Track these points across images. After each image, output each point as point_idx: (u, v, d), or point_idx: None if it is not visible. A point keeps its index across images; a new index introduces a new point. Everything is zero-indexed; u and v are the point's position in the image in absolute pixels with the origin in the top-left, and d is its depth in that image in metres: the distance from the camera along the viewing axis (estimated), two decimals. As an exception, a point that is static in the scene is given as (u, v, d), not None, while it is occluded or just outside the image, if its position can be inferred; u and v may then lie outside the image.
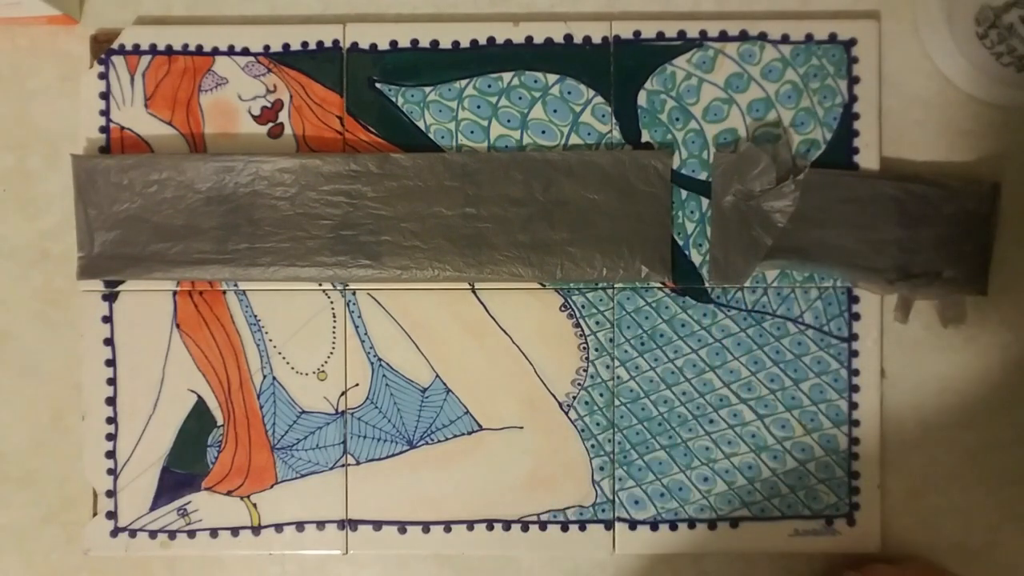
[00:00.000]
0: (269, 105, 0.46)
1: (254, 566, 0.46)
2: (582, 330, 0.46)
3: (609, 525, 0.45)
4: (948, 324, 0.45)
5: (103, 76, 0.46)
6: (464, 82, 0.46)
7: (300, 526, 0.45)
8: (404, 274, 0.45)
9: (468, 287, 0.46)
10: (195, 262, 0.45)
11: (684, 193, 0.45)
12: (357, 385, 0.46)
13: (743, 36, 0.46)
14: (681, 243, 0.45)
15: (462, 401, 0.45)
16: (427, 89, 0.46)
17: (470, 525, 0.45)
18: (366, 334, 0.46)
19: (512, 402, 0.45)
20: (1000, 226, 0.46)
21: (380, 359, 0.46)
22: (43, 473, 0.47)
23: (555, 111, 0.46)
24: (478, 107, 0.46)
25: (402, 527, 0.45)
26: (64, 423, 0.47)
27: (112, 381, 0.46)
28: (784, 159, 0.44)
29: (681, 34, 0.46)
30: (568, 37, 0.46)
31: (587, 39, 0.46)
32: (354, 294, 0.46)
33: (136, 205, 0.45)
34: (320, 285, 0.46)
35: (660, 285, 0.45)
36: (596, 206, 0.44)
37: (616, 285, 0.46)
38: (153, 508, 0.45)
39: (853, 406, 0.45)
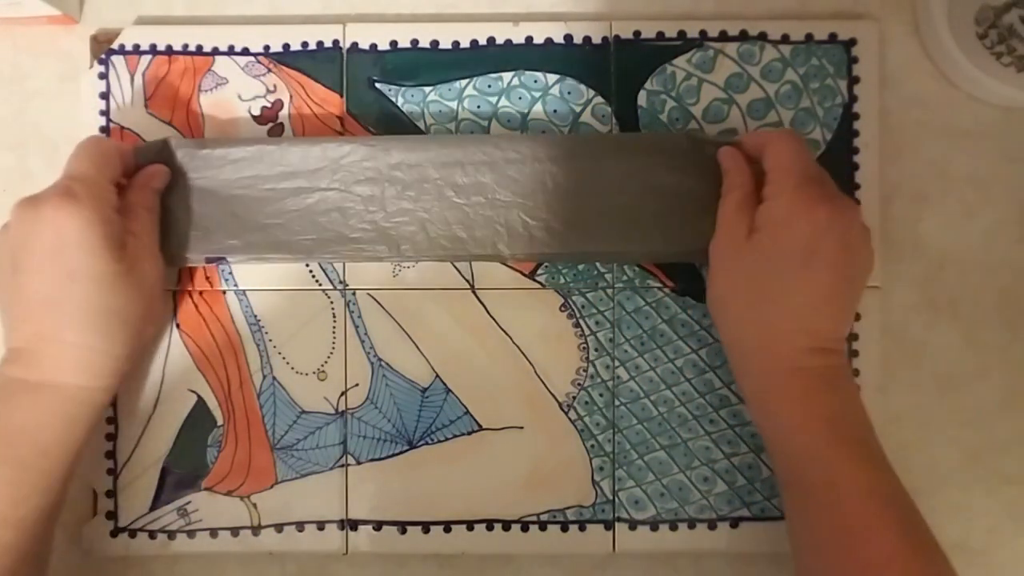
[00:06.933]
0: (269, 105, 0.46)
1: (254, 566, 0.46)
2: (582, 330, 0.46)
3: (609, 525, 0.45)
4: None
5: (103, 76, 0.46)
6: (464, 82, 0.46)
7: (300, 526, 0.45)
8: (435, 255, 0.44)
9: (468, 287, 0.46)
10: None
11: (684, 193, 0.45)
12: (357, 385, 0.46)
13: (743, 36, 0.46)
14: (681, 243, 0.45)
15: (462, 401, 0.45)
16: (427, 89, 0.46)
17: (470, 525, 0.45)
18: (366, 334, 0.46)
19: (512, 402, 0.45)
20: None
21: (380, 359, 0.46)
22: (43, 473, 0.47)
23: (555, 111, 0.46)
24: (478, 107, 0.46)
25: (402, 527, 0.45)
26: (64, 423, 0.46)
27: (112, 381, 0.46)
28: None
29: (681, 34, 0.46)
30: (568, 37, 0.46)
31: (587, 39, 0.46)
32: (354, 294, 0.46)
33: None
34: (320, 285, 0.46)
35: (660, 285, 0.45)
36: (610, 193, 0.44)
37: (616, 285, 0.46)
38: (153, 508, 0.45)
39: (853, 406, 0.45)
